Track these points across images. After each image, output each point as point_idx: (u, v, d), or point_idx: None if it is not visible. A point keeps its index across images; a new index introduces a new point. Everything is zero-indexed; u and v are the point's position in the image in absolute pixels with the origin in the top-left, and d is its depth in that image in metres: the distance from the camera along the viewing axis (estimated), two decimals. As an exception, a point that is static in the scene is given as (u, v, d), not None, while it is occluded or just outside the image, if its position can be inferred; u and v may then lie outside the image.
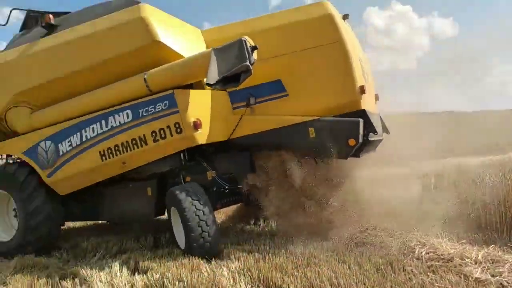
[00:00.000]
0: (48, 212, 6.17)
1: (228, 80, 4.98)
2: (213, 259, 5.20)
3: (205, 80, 5.28)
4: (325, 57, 5.68)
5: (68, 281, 4.83)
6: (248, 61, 4.85)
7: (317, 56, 5.70)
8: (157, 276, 4.65)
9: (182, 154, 5.83)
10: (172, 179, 6.07)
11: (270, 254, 5.11)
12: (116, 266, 5.14)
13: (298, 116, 5.67)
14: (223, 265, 4.93)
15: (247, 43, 4.99)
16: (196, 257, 5.19)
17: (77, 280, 4.84)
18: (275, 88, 5.80)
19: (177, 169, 5.98)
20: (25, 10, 7.06)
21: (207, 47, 6.14)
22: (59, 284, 4.76)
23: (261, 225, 7.20)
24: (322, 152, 5.60)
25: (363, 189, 6.27)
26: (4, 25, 7.11)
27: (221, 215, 8.11)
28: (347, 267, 4.56)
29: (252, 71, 4.95)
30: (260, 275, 4.46)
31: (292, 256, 5.05)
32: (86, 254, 6.15)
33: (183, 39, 5.97)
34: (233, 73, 4.92)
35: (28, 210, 6.10)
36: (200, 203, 5.21)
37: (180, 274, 4.61)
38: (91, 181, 6.12)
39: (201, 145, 5.64)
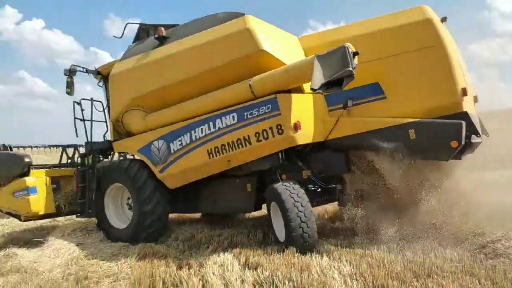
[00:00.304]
0: (158, 202, 6.80)
1: (331, 85, 5.20)
2: (322, 258, 5.07)
3: (304, 85, 5.81)
4: (426, 60, 5.74)
5: (184, 271, 5.09)
6: (351, 66, 5.05)
7: (417, 59, 5.77)
8: (267, 273, 4.65)
9: (280, 154, 6.12)
10: (270, 176, 6.43)
11: (385, 261, 4.77)
12: (228, 259, 5.28)
13: (396, 118, 5.75)
14: (334, 267, 4.74)
15: (349, 49, 5.19)
16: (307, 257, 5.12)
17: (192, 271, 5.07)
18: (373, 91, 5.94)
19: (275, 168, 6.31)
20: (138, 23, 7.86)
21: (305, 54, 6.49)
22: (176, 274, 5.02)
23: (359, 225, 6.77)
24: (422, 153, 5.64)
25: (469, 192, 6.02)
26: (120, 37, 7.92)
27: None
28: (477, 281, 4.04)
29: (354, 75, 5.10)
30: (375, 281, 4.18)
31: (411, 264, 4.65)
32: (200, 246, 6.44)
33: (283, 47, 6.35)
34: (336, 78, 5.12)
35: (141, 200, 6.77)
36: (298, 196, 5.52)
37: (290, 274, 4.54)
38: (198, 177, 6.66)
39: (297, 145, 5.93)
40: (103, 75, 8.01)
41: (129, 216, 7.27)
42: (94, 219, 7.76)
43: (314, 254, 5.33)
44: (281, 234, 5.68)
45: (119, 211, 7.51)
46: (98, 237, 7.34)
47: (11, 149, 8.32)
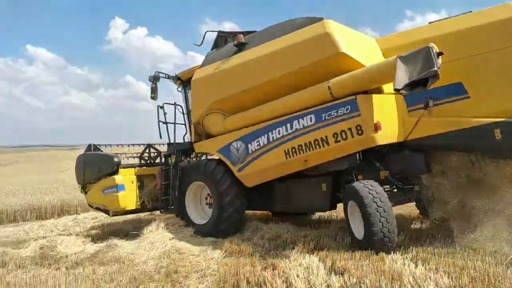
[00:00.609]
0: (235, 196, 7.21)
1: (415, 85, 5.19)
2: (417, 267, 4.69)
3: (384, 86, 5.90)
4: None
5: (268, 271, 5.04)
6: (435, 66, 5.02)
7: (504, 58, 5.52)
8: (354, 280, 4.40)
9: (357, 154, 6.12)
10: (345, 177, 6.49)
11: (491, 275, 4.23)
12: (313, 262, 5.13)
13: (480, 118, 5.54)
14: (430, 278, 4.33)
15: (434, 49, 5.17)
16: (398, 264, 4.80)
17: (276, 272, 5.00)
18: (456, 91, 5.76)
19: (351, 168, 6.31)
20: (216, 31, 8.16)
21: (384, 55, 6.46)
22: (260, 274, 4.98)
23: (442, 228, 6.39)
24: (509, 154, 5.47)
25: None
26: (199, 45, 8.27)
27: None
28: None
29: (439, 76, 5.05)
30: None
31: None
32: (285, 246, 6.35)
33: (362, 49, 6.38)
34: (421, 78, 5.11)
35: (220, 195, 7.22)
36: (381, 201, 5.46)
37: (379, 282, 4.25)
38: (275, 176, 6.91)
39: (376, 145, 5.93)
40: (182, 81, 8.40)
41: (208, 212, 7.72)
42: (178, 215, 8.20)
43: (407, 261, 4.96)
44: (359, 232, 5.68)
45: (198, 208, 7.95)
46: (189, 232, 7.65)
47: (98, 149, 8.99)
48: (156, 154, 9.12)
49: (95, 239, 8.54)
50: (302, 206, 7.36)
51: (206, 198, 7.88)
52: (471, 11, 6.12)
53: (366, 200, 5.43)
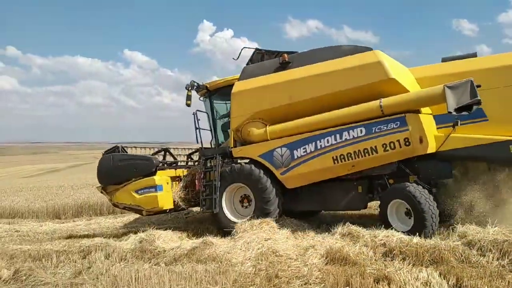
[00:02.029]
0: (277, 199, 8.06)
1: (461, 109, 6.45)
2: None
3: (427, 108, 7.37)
4: None
5: (382, 285, 4.54)
6: (478, 95, 6.36)
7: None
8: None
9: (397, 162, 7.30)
10: (377, 180, 7.66)
11: None
12: (434, 278, 4.53)
13: (498, 136, 6.86)
14: None
15: (474, 82, 6.46)
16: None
17: (392, 287, 4.45)
18: (477, 114, 6.82)
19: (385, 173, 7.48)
20: (253, 48, 9.09)
21: (418, 83, 7.64)
22: (373, 286, 4.49)
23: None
24: None
25: None
26: (236, 59, 9.09)
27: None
28: None
29: (481, 102, 6.42)
30: None
31: None
32: (394, 256, 5.75)
33: (402, 75, 7.49)
34: (468, 104, 6.39)
35: (262, 197, 7.99)
36: (426, 193, 6.85)
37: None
38: (318, 179, 7.82)
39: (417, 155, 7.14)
40: (209, 90, 9.15)
41: (241, 212, 8.52)
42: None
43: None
44: (403, 226, 6.92)
45: (232, 208, 8.59)
46: (284, 233, 7.35)
47: (125, 150, 9.30)
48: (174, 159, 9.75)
49: (190, 235, 8.63)
50: (339, 205, 8.19)
51: (242, 199, 8.58)
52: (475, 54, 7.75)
53: (421, 200, 6.69)
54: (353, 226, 7.15)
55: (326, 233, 7.39)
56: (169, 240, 7.95)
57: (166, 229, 8.73)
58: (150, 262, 6.52)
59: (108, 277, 5.44)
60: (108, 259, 6.77)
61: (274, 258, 6.13)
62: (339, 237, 6.97)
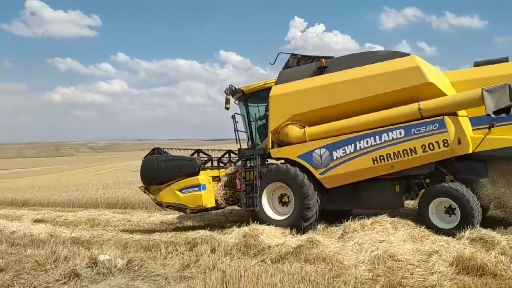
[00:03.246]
0: (316, 198, 8.27)
1: (500, 112, 6.68)
2: None
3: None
4: None
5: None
6: None
7: None
8: None
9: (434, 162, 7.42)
10: (414, 180, 7.80)
11: None
12: None
13: None
14: None
15: (511, 86, 6.70)
16: None
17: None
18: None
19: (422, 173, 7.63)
20: (289, 53, 9.26)
21: (453, 87, 7.75)
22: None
23: None
24: None
25: None
26: (272, 64, 9.35)
27: None
28: None
29: None
30: None
31: None
32: None
33: (440, 80, 7.65)
34: (507, 107, 6.64)
35: (303, 197, 8.18)
36: (470, 193, 7.02)
37: None
38: (358, 179, 7.97)
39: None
40: (245, 94, 9.42)
41: (280, 210, 8.75)
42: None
43: None
44: (447, 224, 7.05)
45: (271, 206, 8.82)
46: (401, 235, 6.60)
47: (165, 152, 9.68)
48: (208, 158, 10.07)
49: (293, 231, 8.27)
50: (376, 204, 8.17)
51: (280, 197, 8.79)
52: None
53: (468, 198, 6.90)
54: (485, 230, 6.22)
55: (450, 237, 6.52)
56: (272, 235, 7.68)
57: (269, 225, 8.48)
58: (255, 258, 6.29)
59: (217, 272, 5.29)
60: (214, 252, 6.69)
61: (392, 263, 5.50)
62: (467, 243, 6.11)
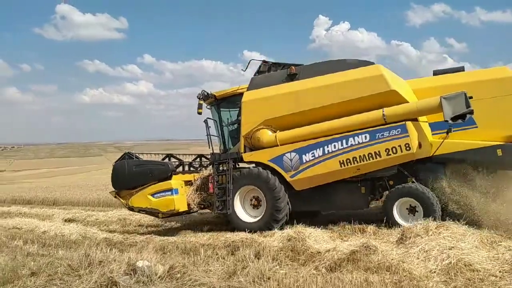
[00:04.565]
0: (286, 201, 8.51)
1: (456, 118, 7.24)
2: None
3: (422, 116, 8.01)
4: (506, 103, 7.78)
5: None
6: (471, 106, 7.18)
7: (502, 102, 7.80)
8: None
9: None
10: (378, 182, 8.27)
11: None
12: None
13: (487, 141, 7.61)
14: None
15: (467, 94, 7.24)
16: None
17: None
18: (469, 122, 7.49)
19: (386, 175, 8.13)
20: (260, 60, 9.75)
21: (414, 94, 8.32)
22: None
23: None
24: (506, 166, 7.62)
25: None
26: (244, 70, 9.91)
27: None
28: None
29: (473, 112, 7.23)
30: None
31: None
32: None
33: (402, 87, 8.11)
34: (462, 113, 7.20)
35: (275, 199, 8.41)
36: (435, 196, 7.49)
37: None
38: (326, 181, 8.29)
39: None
40: (217, 99, 9.61)
41: (252, 212, 8.91)
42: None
43: None
44: (411, 222, 7.22)
45: (243, 209, 8.98)
46: (473, 241, 5.77)
47: (137, 157, 9.68)
48: (179, 162, 10.15)
49: (342, 235, 7.58)
50: (343, 205, 8.68)
51: (251, 200, 8.97)
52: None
53: (429, 196, 7.38)
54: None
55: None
56: (320, 239, 7.03)
57: (316, 228, 7.82)
58: (307, 266, 5.64)
59: (267, 279, 4.66)
60: (259, 258, 6.05)
61: (470, 273, 4.79)
62: None
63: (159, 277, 4.81)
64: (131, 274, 4.78)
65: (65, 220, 12.83)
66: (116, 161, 9.78)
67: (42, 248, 8.39)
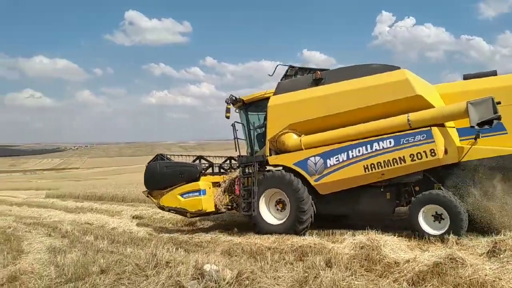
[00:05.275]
0: (311, 202, 8.53)
1: (483, 123, 6.97)
2: None
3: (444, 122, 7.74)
4: None
5: None
6: (498, 111, 6.92)
7: None
8: None
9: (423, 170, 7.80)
10: (404, 188, 8.16)
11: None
12: None
13: None
14: None
15: (494, 99, 6.97)
16: None
17: None
18: (498, 128, 7.27)
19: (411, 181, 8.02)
20: (287, 65, 9.66)
21: (442, 99, 8.20)
22: None
23: None
24: None
25: None
26: (271, 75, 9.66)
27: None
28: None
29: (501, 118, 6.95)
30: None
31: None
32: None
33: (428, 92, 8.03)
34: (489, 119, 6.92)
35: (299, 202, 8.47)
36: (462, 204, 7.25)
37: None
38: (350, 186, 8.23)
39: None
40: (245, 103, 9.74)
41: (275, 215, 9.05)
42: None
43: None
44: (436, 230, 7.28)
45: (268, 211, 9.11)
46: None
47: (169, 159, 10.03)
48: (209, 164, 10.33)
49: (420, 243, 6.94)
50: (368, 210, 8.49)
51: (277, 203, 9.09)
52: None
53: (457, 204, 7.18)
54: None
55: None
56: (397, 248, 6.44)
57: (390, 235, 7.24)
58: (385, 278, 5.13)
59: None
60: (330, 266, 5.62)
61: None
62: None
63: (227, 283, 4.56)
64: (199, 278, 4.58)
65: (133, 217, 13.20)
66: (149, 162, 10.14)
67: (111, 244, 8.58)
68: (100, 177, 66.89)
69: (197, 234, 9.47)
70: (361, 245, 6.57)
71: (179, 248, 7.32)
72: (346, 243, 7.01)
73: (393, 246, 6.49)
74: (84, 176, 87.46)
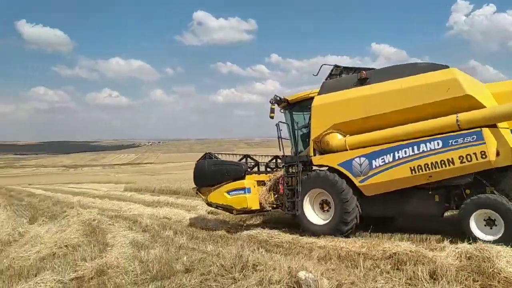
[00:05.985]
0: (356, 204, 8.41)
1: None
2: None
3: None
4: None
5: None
6: None
7: None
8: None
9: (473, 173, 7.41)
10: (454, 191, 7.75)
11: None
12: None
13: None
14: None
15: None
16: None
17: None
18: None
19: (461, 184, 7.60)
20: (332, 65, 9.50)
21: (495, 98, 7.78)
22: None
23: None
24: None
25: None
26: (315, 75, 9.48)
27: None
28: None
29: None
30: None
31: None
32: None
33: (479, 91, 7.66)
34: None
35: (343, 202, 8.34)
36: None
37: None
38: (396, 188, 8.04)
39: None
40: (289, 103, 9.78)
41: (321, 215, 8.93)
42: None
43: None
44: (489, 236, 6.90)
45: (312, 211, 9.03)
46: None
47: (217, 157, 10.24)
48: (255, 163, 10.49)
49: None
50: (415, 212, 8.28)
51: (322, 203, 8.96)
52: None
53: (511, 208, 6.76)
54: None
55: None
56: (513, 260, 5.55)
57: (500, 244, 6.34)
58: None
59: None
60: (435, 279, 4.97)
61: None
62: None
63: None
64: (294, 287, 4.16)
65: (208, 212, 13.19)
66: (198, 160, 10.37)
67: (191, 240, 8.53)
68: (173, 172, 69.57)
69: (276, 233, 9.12)
70: (467, 256, 5.75)
71: (260, 248, 7.01)
72: (448, 251, 6.18)
73: (509, 258, 5.61)
74: (158, 170, 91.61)
